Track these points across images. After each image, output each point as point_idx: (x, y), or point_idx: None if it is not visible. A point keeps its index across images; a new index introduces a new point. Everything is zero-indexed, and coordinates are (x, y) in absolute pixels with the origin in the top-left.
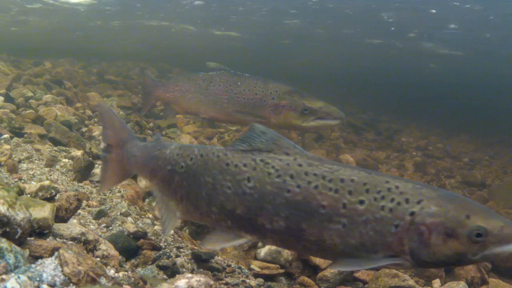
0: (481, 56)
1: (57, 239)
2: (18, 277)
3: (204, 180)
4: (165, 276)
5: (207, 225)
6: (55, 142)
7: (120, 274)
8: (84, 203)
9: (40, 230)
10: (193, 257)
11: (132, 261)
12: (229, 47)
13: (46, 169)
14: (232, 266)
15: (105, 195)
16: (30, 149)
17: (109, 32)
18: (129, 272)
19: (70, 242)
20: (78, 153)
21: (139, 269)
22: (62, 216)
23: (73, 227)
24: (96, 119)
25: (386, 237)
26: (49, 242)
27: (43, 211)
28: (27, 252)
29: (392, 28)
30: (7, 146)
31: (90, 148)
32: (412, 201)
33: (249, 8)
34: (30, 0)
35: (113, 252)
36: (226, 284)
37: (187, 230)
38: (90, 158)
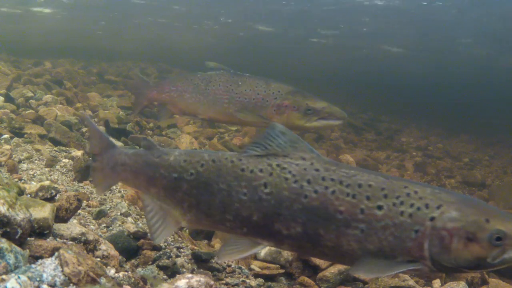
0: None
1: (57, 239)
2: (18, 277)
3: (218, 187)
4: (165, 276)
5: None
6: (55, 142)
7: (120, 274)
8: (84, 203)
9: (40, 230)
10: (193, 257)
11: (132, 261)
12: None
13: (46, 169)
14: (232, 266)
15: (105, 195)
16: (30, 149)
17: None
18: (129, 272)
19: (70, 242)
20: (78, 153)
21: (139, 269)
22: (62, 216)
23: (73, 227)
24: (96, 119)
25: (405, 243)
26: (49, 242)
27: (43, 211)
28: (27, 252)
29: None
30: (7, 146)
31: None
32: (432, 206)
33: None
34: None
35: (113, 252)
36: (226, 284)
37: (187, 230)
38: (90, 158)
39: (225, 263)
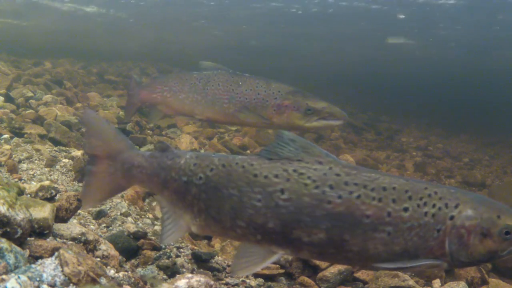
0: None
1: (57, 239)
2: (18, 277)
3: (228, 193)
4: (165, 276)
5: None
6: (55, 142)
7: (120, 274)
8: None
9: (40, 230)
10: (193, 257)
11: (132, 261)
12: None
13: (46, 169)
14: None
15: None
16: (30, 149)
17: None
18: (129, 272)
19: (70, 242)
20: (78, 153)
21: (139, 269)
22: (62, 216)
23: (73, 227)
24: None
25: (428, 242)
26: (49, 242)
27: (43, 211)
28: (27, 252)
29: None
30: (7, 146)
31: None
32: (450, 205)
33: None
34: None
35: (113, 252)
36: (226, 284)
37: None
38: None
39: (225, 263)
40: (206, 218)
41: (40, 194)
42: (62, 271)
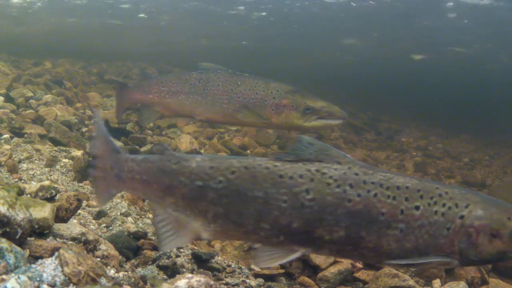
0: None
1: (57, 239)
2: (18, 277)
3: (253, 195)
4: (165, 276)
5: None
6: (55, 142)
7: (120, 274)
8: (84, 203)
9: (40, 230)
10: (193, 257)
11: (132, 261)
12: None
13: (46, 169)
14: (232, 266)
15: None
16: (30, 149)
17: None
18: (129, 272)
19: (70, 242)
20: (78, 153)
21: (139, 269)
22: (62, 216)
23: (73, 227)
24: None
25: (438, 239)
26: (49, 242)
27: (43, 211)
28: (27, 252)
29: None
30: (7, 146)
31: (90, 148)
32: (460, 205)
33: None
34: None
35: (113, 252)
36: (226, 284)
37: None
38: (90, 158)
39: (225, 263)
40: (224, 223)
41: (40, 194)
42: (62, 271)
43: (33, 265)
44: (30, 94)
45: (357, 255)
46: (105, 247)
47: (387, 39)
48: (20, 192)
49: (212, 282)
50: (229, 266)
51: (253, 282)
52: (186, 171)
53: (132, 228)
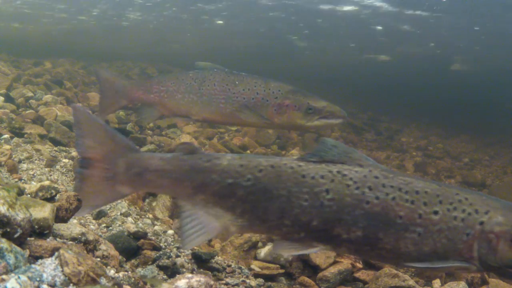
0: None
1: (57, 239)
2: (18, 277)
3: (278, 193)
4: (165, 276)
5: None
6: (55, 142)
7: (120, 274)
8: None
9: (40, 230)
10: (193, 257)
11: (132, 261)
12: None
13: (46, 169)
14: (232, 266)
15: None
16: (30, 149)
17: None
18: (129, 272)
19: (70, 242)
20: None
21: (139, 269)
22: (62, 216)
23: (73, 227)
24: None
25: (457, 245)
26: (49, 242)
27: (43, 211)
28: (27, 252)
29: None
30: (7, 146)
31: None
32: (480, 211)
33: None
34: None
35: (113, 252)
36: (226, 284)
37: None
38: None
39: (224, 263)
40: (251, 218)
41: (40, 194)
42: (62, 271)
43: (33, 265)
44: (30, 94)
45: (375, 255)
46: (105, 247)
47: None
48: (20, 192)
49: (212, 282)
50: (229, 266)
51: (253, 282)
52: (218, 169)
53: (132, 228)
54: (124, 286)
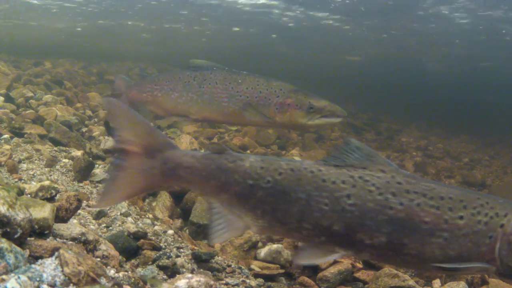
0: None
1: (57, 239)
2: (18, 277)
3: (296, 196)
4: (165, 276)
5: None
6: (55, 142)
7: (120, 274)
8: (84, 203)
9: (40, 230)
10: (193, 257)
11: (132, 261)
12: None
13: (46, 169)
14: (232, 266)
15: None
16: (30, 149)
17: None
18: (129, 272)
19: (70, 242)
20: (78, 153)
21: (139, 269)
22: (62, 216)
23: (73, 227)
24: (96, 119)
25: (481, 248)
26: (49, 242)
27: (43, 211)
28: (27, 252)
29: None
30: (7, 146)
31: (90, 148)
32: (500, 214)
33: None
34: None
35: (113, 252)
36: (226, 284)
37: (187, 230)
38: (90, 158)
39: (225, 263)
40: (271, 220)
41: (40, 194)
42: (62, 271)
43: (33, 265)
44: (30, 94)
45: (400, 261)
46: (105, 247)
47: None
48: (20, 192)
49: (212, 282)
50: (229, 266)
51: (253, 282)
52: (241, 170)
53: (132, 228)
54: (124, 286)
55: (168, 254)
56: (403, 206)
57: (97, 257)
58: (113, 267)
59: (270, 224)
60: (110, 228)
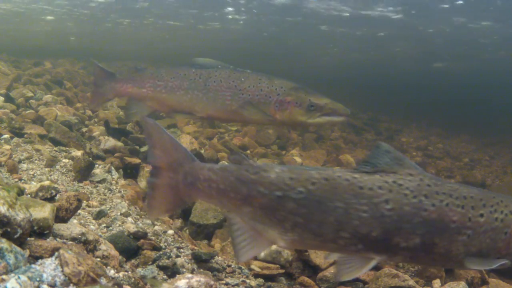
0: None
1: (57, 239)
2: (18, 277)
3: (333, 206)
4: (165, 277)
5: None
6: (55, 142)
7: (120, 274)
8: (84, 203)
9: (40, 230)
10: (193, 257)
11: (132, 261)
12: None
13: (46, 169)
14: (232, 266)
15: (105, 195)
16: (30, 149)
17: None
18: (129, 272)
19: (70, 242)
20: (78, 153)
21: (139, 269)
22: (62, 216)
23: (73, 227)
24: (96, 119)
25: (498, 243)
26: (49, 242)
27: (43, 211)
28: (27, 253)
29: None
30: (7, 146)
31: (90, 148)
32: None
33: None
34: None
35: (113, 252)
36: (226, 284)
37: (187, 231)
38: (90, 158)
39: (225, 263)
40: (303, 232)
41: (40, 194)
42: (62, 271)
43: (33, 265)
44: (30, 94)
45: (429, 260)
46: (105, 247)
47: None
48: (20, 192)
49: (212, 282)
50: (229, 266)
51: (253, 282)
52: (266, 182)
53: (132, 228)
54: (124, 286)
55: (168, 254)
56: (435, 207)
57: (97, 257)
58: (113, 267)
59: (300, 237)
60: (110, 228)
